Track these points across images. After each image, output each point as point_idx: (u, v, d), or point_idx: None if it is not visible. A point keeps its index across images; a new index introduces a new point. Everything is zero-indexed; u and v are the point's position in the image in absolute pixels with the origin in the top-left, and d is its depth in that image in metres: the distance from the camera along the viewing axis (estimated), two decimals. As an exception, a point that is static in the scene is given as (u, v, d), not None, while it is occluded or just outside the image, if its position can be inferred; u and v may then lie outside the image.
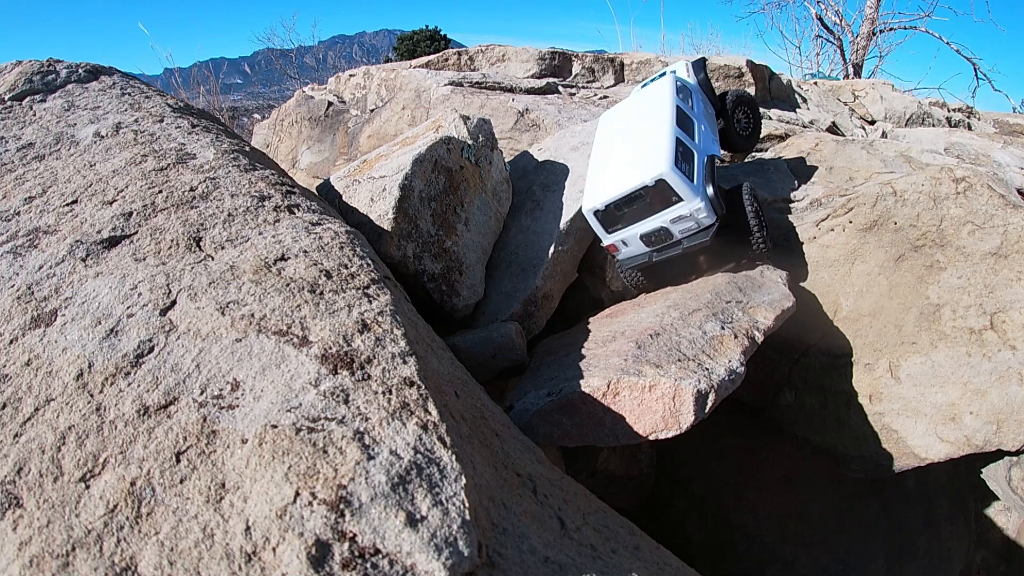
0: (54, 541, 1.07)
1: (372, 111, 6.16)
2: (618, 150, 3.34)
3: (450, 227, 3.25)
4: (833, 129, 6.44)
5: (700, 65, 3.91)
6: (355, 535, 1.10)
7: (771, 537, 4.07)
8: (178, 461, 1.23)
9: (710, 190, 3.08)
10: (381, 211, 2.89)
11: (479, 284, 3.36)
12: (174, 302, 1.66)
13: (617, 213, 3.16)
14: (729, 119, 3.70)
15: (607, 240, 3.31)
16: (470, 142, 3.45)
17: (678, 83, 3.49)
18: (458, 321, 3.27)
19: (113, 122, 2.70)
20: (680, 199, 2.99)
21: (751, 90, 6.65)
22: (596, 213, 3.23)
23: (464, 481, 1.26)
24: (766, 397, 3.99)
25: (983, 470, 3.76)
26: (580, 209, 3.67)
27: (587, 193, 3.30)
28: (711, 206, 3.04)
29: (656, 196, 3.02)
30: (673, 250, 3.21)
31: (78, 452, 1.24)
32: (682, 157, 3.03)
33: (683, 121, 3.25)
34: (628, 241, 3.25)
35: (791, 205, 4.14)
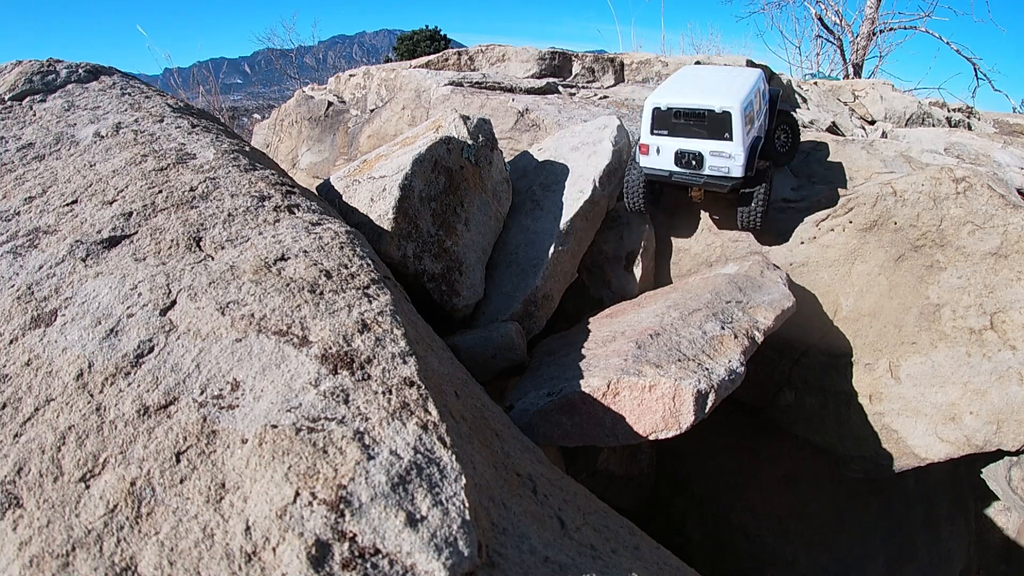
0: (54, 541, 1.07)
1: (372, 111, 6.16)
2: (702, 79, 3.64)
3: (450, 227, 3.25)
4: (833, 129, 6.43)
5: (777, 94, 4.28)
6: (355, 535, 1.10)
7: (771, 537, 4.07)
8: (178, 461, 1.23)
9: (750, 151, 3.38)
10: (381, 211, 2.89)
11: (479, 284, 3.37)
12: (174, 302, 1.66)
13: (672, 120, 3.38)
14: (771, 133, 3.93)
15: (646, 138, 3.54)
16: (470, 142, 3.45)
17: (761, 79, 3.84)
18: (458, 321, 3.27)
19: (113, 122, 2.70)
20: (730, 138, 3.28)
21: None
22: (656, 109, 3.44)
23: (464, 481, 1.26)
24: (766, 397, 3.99)
25: (983, 470, 3.76)
26: (580, 209, 3.67)
27: (656, 93, 3.53)
28: (746, 162, 3.32)
29: (714, 124, 3.28)
30: (691, 180, 3.45)
31: (78, 452, 1.24)
32: (749, 118, 3.32)
33: (758, 98, 3.60)
34: (662, 150, 3.48)
35: (791, 205, 4.13)
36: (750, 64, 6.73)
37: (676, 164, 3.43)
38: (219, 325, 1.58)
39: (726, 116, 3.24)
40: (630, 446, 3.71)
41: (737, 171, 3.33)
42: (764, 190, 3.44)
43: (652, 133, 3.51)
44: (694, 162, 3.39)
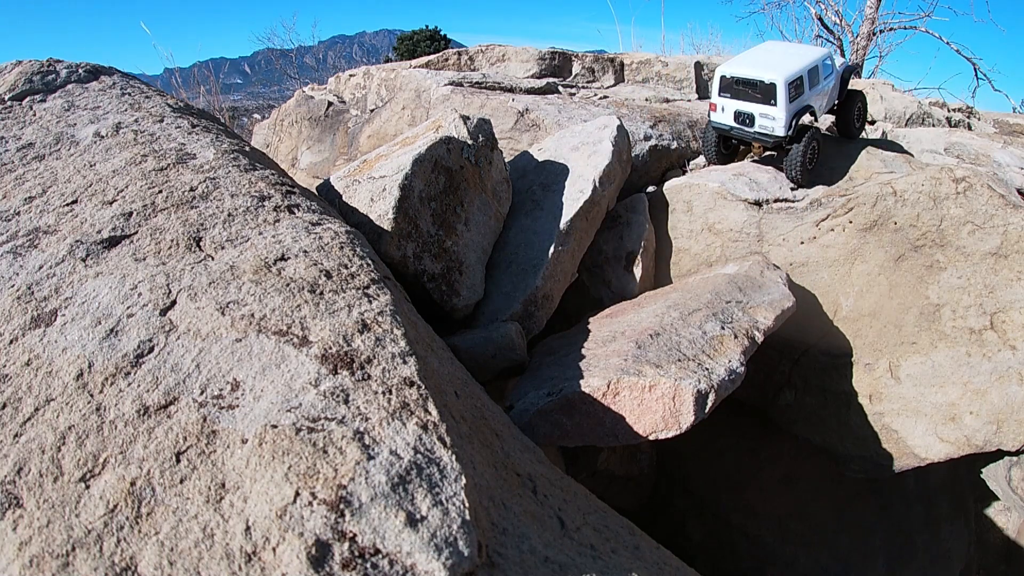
0: (54, 541, 1.07)
1: (372, 111, 6.16)
2: (766, 53, 4.44)
3: (450, 227, 3.25)
4: (833, 129, 6.42)
5: (852, 68, 5.05)
6: (355, 535, 1.10)
7: (771, 537, 4.07)
8: (178, 461, 1.23)
9: (792, 116, 4.11)
10: (381, 211, 2.89)
11: (479, 284, 3.37)
12: (174, 302, 1.66)
13: (734, 86, 4.22)
14: (850, 111, 4.74)
15: (715, 98, 4.38)
16: (470, 142, 3.45)
17: (826, 57, 4.50)
18: (458, 321, 3.27)
19: (113, 122, 2.70)
20: (775, 104, 4.05)
21: None
22: (723, 77, 4.26)
23: (464, 481, 1.26)
24: (766, 397, 3.99)
25: (983, 470, 3.76)
26: (580, 209, 3.67)
27: (725, 64, 4.34)
28: (787, 124, 4.08)
29: (763, 92, 4.09)
30: (744, 135, 4.32)
31: (78, 452, 1.24)
32: (795, 87, 4.06)
33: (813, 73, 4.26)
34: (725, 109, 4.32)
35: (791, 205, 4.14)
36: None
37: (734, 121, 4.29)
38: (219, 325, 1.58)
39: (772, 86, 4.03)
40: (630, 446, 3.71)
41: (779, 131, 4.10)
42: (802, 147, 4.12)
43: (719, 95, 4.34)
44: (747, 120, 4.22)
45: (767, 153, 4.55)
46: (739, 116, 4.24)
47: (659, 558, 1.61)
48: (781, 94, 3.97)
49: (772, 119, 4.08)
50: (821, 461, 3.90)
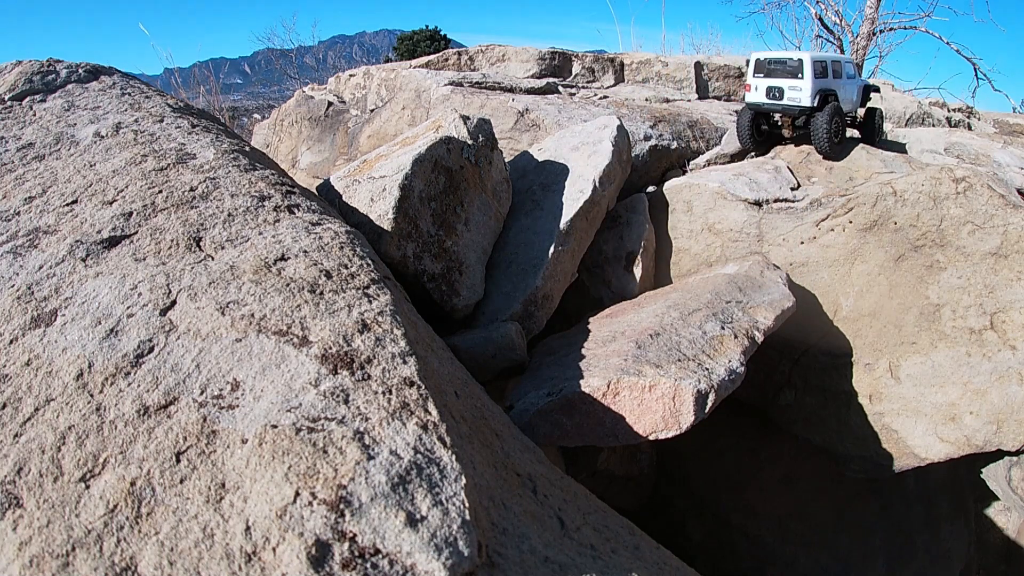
0: (54, 541, 1.07)
1: (372, 111, 6.16)
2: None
3: (450, 227, 3.25)
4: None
5: (873, 87, 5.75)
6: (355, 535, 1.10)
7: (771, 537, 4.07)
8: (178, 461, 1.23)
9: (817, 90, 4.68)
10: (381, 211, 2.89)
11: (479, 284, 3.36)
12: (174, 302, 1.66)
13: (767, 66, 4.83)
14: (871, 122, 5.31)
15: (749, 80, 4.97)
16: (470, 142, 3.45)
17: (849, 61, 5.35)
18: (458, 321, 3.27)
19: (113, 122, 2.70)
20: (802, 78, 4.64)
21: None
22: (758, 60, 4.86)
23: (464, 481, 1.26)
24: (766, 397, 3.99)
25: (983, 470, 3.76)
26: (580, 209, 3.67)
27: (759, 52, 5.00)
28: (812, 95, 4.63)
29: (792, 68, 4.70)
30: (774, 107, 4.83)
31: (78, 452, 1.24)
32: (820, 68, 4.72)
33: (836, 65, 4.98)
34: (758, 88, 4.88)
35: (791, 205, 4.14)
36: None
37: (766, 97, 4.85)
38: (219, 325, 1.58)
39: (800, 62, 4.66)
40: (630, 446, 3.71)
41: (806, 101, 4.64)
42: (826, 115, 4.58)
43: (753, 76, 4.92)
44: (777, 94, 4.78)
45: (798, 134, 5.02)
46: (770, 91, 4.84)
47: (659, 558, 1.61)
48: (807, 69, 4.63)
49: (799, 91, 4.68)
50: (821, 461, 3.90)
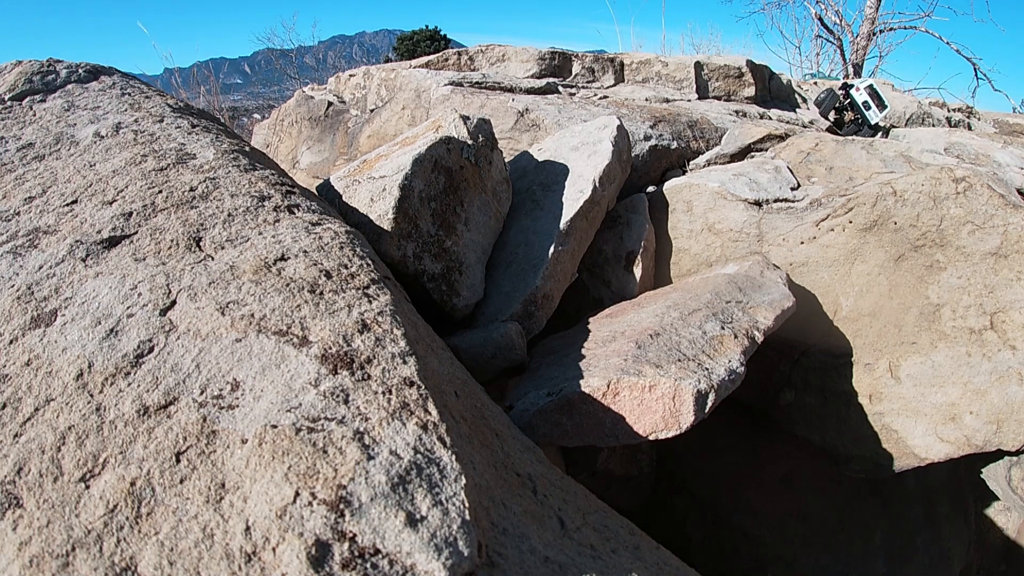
0: (54, 541, 1.07)
1: (372, 111, 6.16)
2: None
3: (450, 227, 3.25)
4: (833, 129, 6.43)
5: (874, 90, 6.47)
6: (355, 535, 1.10)
7: (771, 537, 4.08)
8: (178, 461, 1.23)
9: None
10: (381, 211, 2.89)
11: (479, 284, 3.36)
12: (174, 302, 1.66)
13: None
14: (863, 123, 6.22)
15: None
16: (470, 142, 3.45)
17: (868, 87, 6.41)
18: (458, 321, 3.26)
19: (113, 122, 2.70)
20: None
21: (751, 90, 6.75)
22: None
23: (464, 481, 1.26)
24: (766, 397, 3.99)
25: (983, 470, 3.76)
26: (580, 209, 3.67)
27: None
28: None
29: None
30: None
31: (78, 452, 1.24)
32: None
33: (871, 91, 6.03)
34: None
35: (791, 205, 4.13)
36: (750, 64, 6.77)
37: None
38: (219, 325, 1.58)
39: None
40: (630, 446, 3.71)
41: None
42: (860, 106, 5.63)
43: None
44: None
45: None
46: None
47: (659, 558, 1.61)
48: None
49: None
50: (821, 461, 3.90)
